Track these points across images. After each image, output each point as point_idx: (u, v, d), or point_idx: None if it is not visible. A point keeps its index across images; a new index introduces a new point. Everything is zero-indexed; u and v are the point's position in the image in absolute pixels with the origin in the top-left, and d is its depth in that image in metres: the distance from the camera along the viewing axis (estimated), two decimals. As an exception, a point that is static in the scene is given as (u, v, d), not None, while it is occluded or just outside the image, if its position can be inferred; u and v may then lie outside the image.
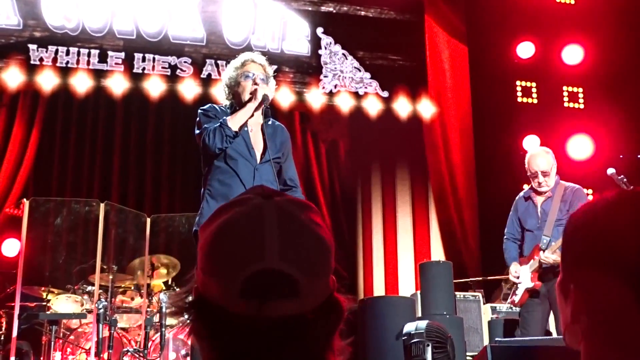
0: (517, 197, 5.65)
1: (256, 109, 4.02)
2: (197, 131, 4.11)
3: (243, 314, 1.02)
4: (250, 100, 4.02)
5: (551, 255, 5.08)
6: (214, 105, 4.22)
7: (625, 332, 1.08)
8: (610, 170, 5.29)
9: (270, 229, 1.04)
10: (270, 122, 4.19)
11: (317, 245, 1.07)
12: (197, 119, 4.14)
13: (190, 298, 1.12)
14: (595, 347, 1.11)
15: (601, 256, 1.11)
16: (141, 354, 5.58)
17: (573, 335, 1.15)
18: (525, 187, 5.72)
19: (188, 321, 1.12)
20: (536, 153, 5.49)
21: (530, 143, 9.41)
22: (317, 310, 1.05)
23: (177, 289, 6.85)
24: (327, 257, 1.08)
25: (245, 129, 4.05)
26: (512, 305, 5.44)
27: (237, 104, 4.16)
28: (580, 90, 9.65)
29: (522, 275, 5.32)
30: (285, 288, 1.02)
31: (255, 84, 4.07)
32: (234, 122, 3.96)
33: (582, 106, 9.62)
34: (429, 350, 3.60)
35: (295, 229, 1.06)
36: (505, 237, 5.59)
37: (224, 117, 3.99)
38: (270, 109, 4.30)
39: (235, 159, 4.00)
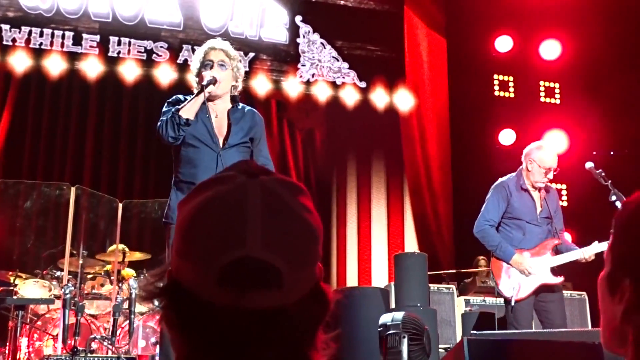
0: (503, 183, 5.38)
1: (200, 93, 3.94)
2: None
3: (220, 303, 0.94)
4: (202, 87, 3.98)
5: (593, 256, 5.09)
6: (180, 96, 4.17)
7: None
8: (589, 164, 5.27)
9: (254, 212, 0.95)
10: (239, 107, 4.14)
11: (304, 232, 0.98)
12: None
13: (161, 283, 1.03)
14: None
15: None
16: (109, 341, 5.49)
17: (619, 337, 1.02)
18: (511, 175, 5.42)
19: (159, 308, 1.02)
20: (551, 149, 5.38)
21: (507, 137, 9.44)
22: (301, 302, 0.97)
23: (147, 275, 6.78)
24: (315, 245, 0.99)
25: (207, 115, 4.01)
26: (515, 300, 5.08)
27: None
28: (557, 85, 9.70)
29: (538, 268, 5.14)
30: (267, 278, 0.94)
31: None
32: (184, 110, 3.91)
33: (558, 101, 9.66)
34: (405, 342, 3.57)
35: (281, 213, 0.97)
36: (487, 222, 5.30)
37: (176, 107, 3.95)
38: (247, 97, 4.25)
39: (197, 146, 3.98)
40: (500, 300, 5.44)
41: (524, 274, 5.14)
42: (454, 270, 8.02)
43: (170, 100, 4.13)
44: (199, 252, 0.96)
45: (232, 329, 0.95)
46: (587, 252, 5.06)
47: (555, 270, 5.20)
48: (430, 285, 6.45)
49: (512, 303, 5.10)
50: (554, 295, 5.22)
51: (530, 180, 5.31)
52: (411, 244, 9.11)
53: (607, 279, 1.06)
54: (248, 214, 0.95)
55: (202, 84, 3.95)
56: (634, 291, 1.01)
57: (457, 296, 6.97)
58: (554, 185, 9.28)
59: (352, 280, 8.99)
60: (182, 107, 3.91)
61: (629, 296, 1.01)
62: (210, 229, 0.96)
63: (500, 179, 5.50)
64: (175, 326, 0.99)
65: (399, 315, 3.72)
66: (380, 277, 8.85)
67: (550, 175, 5.28)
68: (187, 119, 3.89)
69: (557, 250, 5.28)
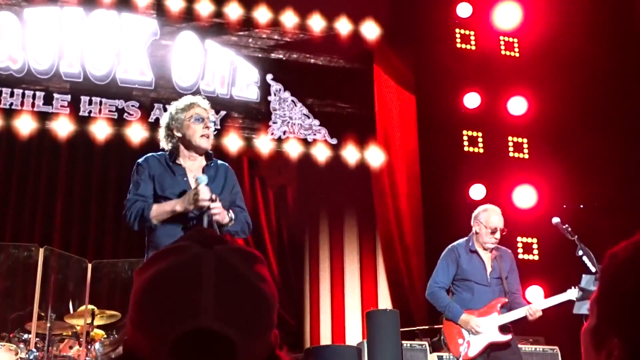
0: (453, 247, 5.53)
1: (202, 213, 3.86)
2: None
3: None
4: (194, 204, 3.81)
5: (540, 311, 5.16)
6: (150, 156, 4.11)
7: None
8: (555, 220, 5.34)
9: (207, 283, 0.95)
10: (212, 164, 4.15)
11: (258, 302, 0.98)
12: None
13: (119, 351, 1.03)
14: None
15: None
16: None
17: None
18: (463, 239, 5.54)
19: None
20: (495, 210, 5.48)
21: (477, 192, 9.51)
22: None
23: (116, 336, 6.68)
24: (270, 315, 0.99)
25: (185, 178, 4.01)
26: (463, 358, 5.25)
27: (184, 146, 4.11)
28: (525, 140, 9.83)
29: (485, 327, 5.24)
30: (220, 349, 0.94)
31: (207, 127, 4.05)
32: (158, 215, 3.86)
33: (527, 156, 9.79)
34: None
35: (235, 284, 0.97)
36: (436, 285, 5.45)
37: (150, 205, 3.87)
38: (219, 154, 4.27)
39: None
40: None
41: (472, 333, 5.24)
42: (427, 327, 7.98)
43: (140, 162, 4.09)
44: (152, 323, 0.96)
45: None
46: (533, 308, 5.16)
47: (505, 328, 5.26)
48: (403, 341, 6.42)
49: (452, 357, 5.24)
50: (508, 352, 5.28)
51: (479, 242, 5.43)
52: (385, 299, 9.07)
53: (592, 333, 1.02)
54: (202, 285, 0.96)
55: (205, 212, 3.79)
56: (623, 350, 0.97)
57: (430, 353, 6.93)
58: (525, 240, 9.39)
59: (325, 338, 8.90)
60: (158, 208, 3.87)
61: (617, 354, 0.97)
62: (163, 300, 0.96)
63: (453, 243, 5.63)
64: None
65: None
66: (354, 334, 8.78)
67: (498, 236, 5.39)
68: (156, 225, 3.86)
69: (509, 309, 5.34)
